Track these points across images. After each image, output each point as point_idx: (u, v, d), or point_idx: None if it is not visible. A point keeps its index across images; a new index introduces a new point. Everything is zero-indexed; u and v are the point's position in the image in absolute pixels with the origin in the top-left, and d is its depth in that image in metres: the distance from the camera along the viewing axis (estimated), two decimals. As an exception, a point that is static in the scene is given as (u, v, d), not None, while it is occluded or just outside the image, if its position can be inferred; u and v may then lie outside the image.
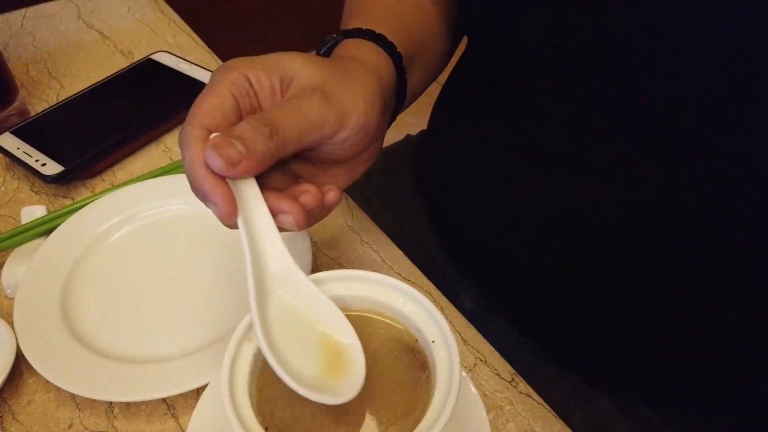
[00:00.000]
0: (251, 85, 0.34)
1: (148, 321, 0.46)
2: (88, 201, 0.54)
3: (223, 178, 0.31)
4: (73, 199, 0.57)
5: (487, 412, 0.37)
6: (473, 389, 0.37)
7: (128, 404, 0.42)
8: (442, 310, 0.45)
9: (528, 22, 0.41)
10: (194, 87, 0.66)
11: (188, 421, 0.37)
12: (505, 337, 0.52)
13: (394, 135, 0.76)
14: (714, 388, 0.46)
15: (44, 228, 0.52)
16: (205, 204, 0.32)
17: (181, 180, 0.56)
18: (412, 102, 0.50)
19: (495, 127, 0.48)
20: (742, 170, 0.35)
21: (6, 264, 0.50)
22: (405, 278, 0.50)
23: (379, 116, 0.37)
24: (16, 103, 0.63)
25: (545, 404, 0.42)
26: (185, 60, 0.69)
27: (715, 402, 0.47)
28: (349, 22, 0.45)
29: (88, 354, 0.43)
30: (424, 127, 0.66)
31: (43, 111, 0.63)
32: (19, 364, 0.44)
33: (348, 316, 0.34)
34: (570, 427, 0.41)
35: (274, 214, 0.33)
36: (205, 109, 0.33)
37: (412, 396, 0.31)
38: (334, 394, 0.29)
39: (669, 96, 0.36)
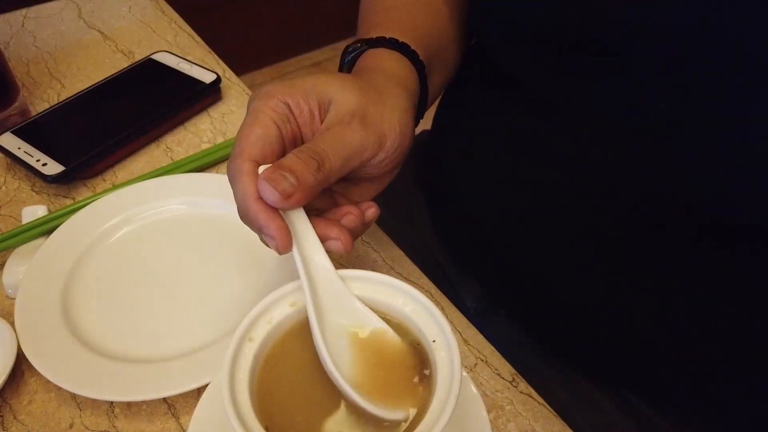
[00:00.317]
0: (291, 112, 0.36)
1: (148, 321, 0.46)
2: (88, 201, 0.54)
3: (276, 210, 0.32)
4: (73, 198, 0.57)
5: (488, 412, 0.37)
6: (474, 389, 0.37)
7: (129, 404, 0.42)
8: (442, 310, 0.45)
9: (535, 12, 0.41)
10: (195, 86, 0.66)
11: (189, 421, 0.37)
12: (507, 336, 0.52)
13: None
14: (715, 388, 0.46)
15: (45, 228, 0.52)
16: (259, 236, 0.33)
17: (181, 180, 0.56)
18: (431, 104, 0.50)
19: (500, 126, 0.48)
20: (746, 167, 0.35)
21: (7, 264, 0.50)
22: (406, 278, 0.50)
23: (411, 132, 0.39)
24: (17, 103, 0.63)
25: (546, 404, 0.42)
26: (186, 60, 0.69)
27: (716, 402, 0.47)
28: (370, 30, 0.46)
29: (88, 354, 0.43)
30: (425, 127, 0.66)
31: (44, 111, 0.63)
32: (20, 364, 0.44)
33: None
34: (571, 427, 0.41)
35: (323, 240, 0.34)
36: (251, 141, 0.34)
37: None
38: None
39: (675, 90, 0.35)
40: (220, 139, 0.62)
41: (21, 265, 0.49)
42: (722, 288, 0.40)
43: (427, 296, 0.32)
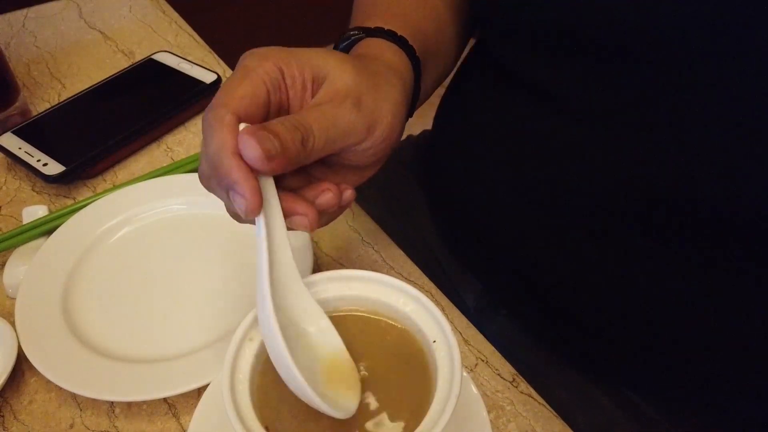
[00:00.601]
0: (283, 79, 0.34)
1: (149, 320, 0.46)
2: (89, 201, 0.54)
3: (251, 169, 0.30)
4: (74, 199, 0.57)
5: (488, 412, 0.37)
6: (474, 389, 0.37)
7: (129, 404, 0.42)
8: (443, 310, 0.44)
9: (538, 8, 0.40)
10: (195, 87, 0.66)
11: (189, 421, 0.37)
12: (507, 335, 0.52)
13: (394, 135, 0.76)
14: (715, 387, 0.46)
15: (45, 228, 0.52)
16: (222, 194, 0.31)
17: (182, 180, 0.56)
18: (420, 105, 0.50)
19: (501, 125, 0.48)
20: (751, 164, 0.35)
21: (7, 264, 0.50)
22: (406, 278, 0.50)
23: (402, 126, 0.37)
24: (17, 103, 0.63)
25: (546, 404, 0.42)
26: (186, 60, 0.69)
27: (717, 401, 0.47)
28: (367, 19, 0.45)
29: (89, 353, 0.43)
30: (425, 127, 0.66)
31: (45, 111, 0.63)
32: (21, 364, 0.44)
33: (349, 316, 0.34)
34: (571, 427, 0.41)
35: (288, 215, 0.33)
36: (238, 95, 0.32)
37: (413, 396, 0.31)
38: (335, 405, 0.29)
39: (678, 87, 0.35)
40: (220, 139, 0.62)
41: (21, 265, 0.49)
42: (723, 288, 0.40)
43: (428, 296, 0.32)
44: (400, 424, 0.30)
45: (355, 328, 0.34)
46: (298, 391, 0.29)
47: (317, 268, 0.50)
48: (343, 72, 0.34)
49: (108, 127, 0.61)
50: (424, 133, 0.70)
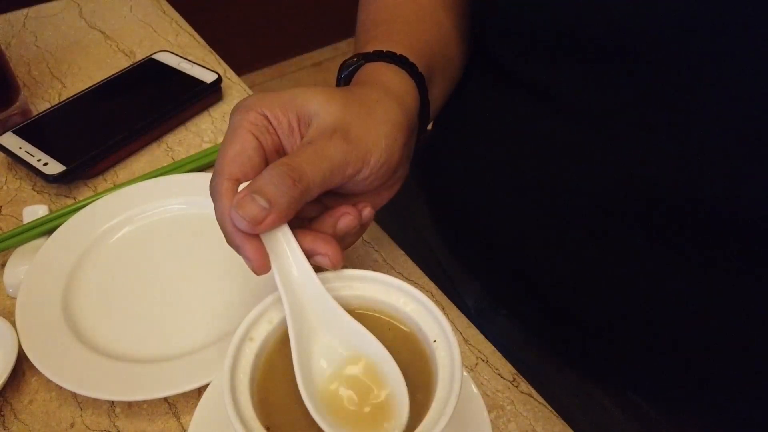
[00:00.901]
0: (270, 123, 0.35)
1: (149, 320, 0.46)
2: (89, 200, 0.54)
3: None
4: (74, 198, 0.57)
5: (489, 412, 0.37)
6: (475, 389, 0.37)
7: (130, 403, 0.42)
8: (443, 309, 0.45)
9: (537, 8, 0.40)
10: (196, 86, 0.66)
11: (190, 420, 0.37)
12: (507, 336, 0.52)
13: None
14: (717, 387, 0.46)
15: (46, 227, 0.52)
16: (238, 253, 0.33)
17: (182, 180, 0.56)
18: (435, 115, 0.50)
19: (500, 125, 0.48)
20: (755, 163, 0.35)
21: (8, 263, 0.50)
22: (406, 278, 0.50)
23: (401, 149, 0.37)
24: (18, 103, 0.63)
25: (546, 404, 0.42)
26: (187, 59, 0.69)
27: (718, 402, 0.47)
28: (367, 44, 0.45)
29: (89, 353, 0.43)
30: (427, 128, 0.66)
31: (45, 111, 0.63)
32: (21, 364, 0.44)
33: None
34: (571, 427, 0.41)
35: (309, 255, 0.33)
36: (229, 158, 0.33)
37: (413, 396, 0.31)
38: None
39: (678, 87, 0.35)
40: (221, 139, 0.62)
41: (22, 264, 0.49)
42: (723, 288, 0.40)
43: (428, 296, 0.32)
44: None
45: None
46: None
47: (318, 268, 0.50)
48: (330, 106, 0.35)
49: (108, 126, 0.61)
50: (425, 134, 0.70)
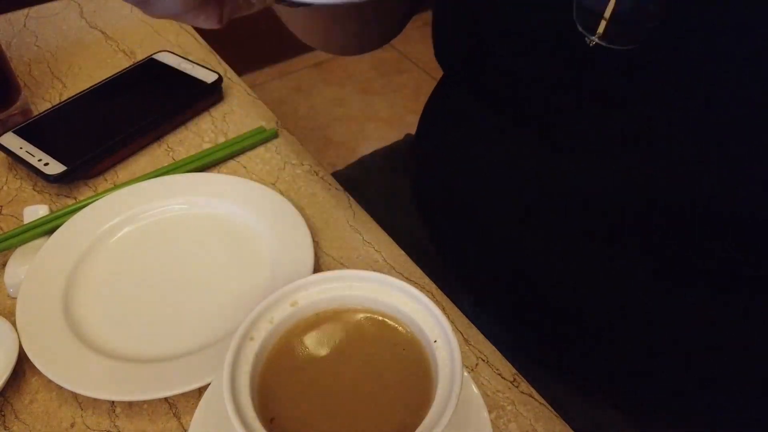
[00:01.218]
0: None
1: (150, 320, 0.46)
2: (90, 200, 0.54)
3: None
4: (75, 198, 0.57)
5: (489, 412, 0.37)
6: (475, 389, 0.37)
7: (130, 403, 0.42)
8: (443, 309, 0.45)
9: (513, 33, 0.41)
10: (196, 86, 0.66)
11: (190, 420, 0.37)
12: (502, 343, 0.52)
13: (395, 135, 0.76)
14: (717, 389, 0.46)
15: (47, 227, 0.52)
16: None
17: (183, 180, 0.56)
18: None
19: (483, 135, 0.48)
20: (748, 188, 0.35)
21: (8, 263, 0.50)
22: (407, 278, 0.50)
23: None
24: (18, 103, 0.63)
25: (547, 404, 0.42)
26: (187, 60, 0.69)
27: (718, 403, 0.47)
28: None
29: (90, 353, 0.43)
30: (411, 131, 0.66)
31: (46, 111, 0.63)
32: (22, 364, 0.44)
33: (349, 316, 0.34)
34: (572, 427, 0.41)
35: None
36: None
37: (413, 396, 0.31)
38: None
39: (650, 105, 0.36)
40: (221, 139, 0.62)
41: (22, 264, 0.49)
42: (723, 292, 0.40)
43: (428, 296, 0.32)
44: (401, 424, 0.30)
45: (355, 327, 0.34)
46: None
47: (318, 268, 0.50)
48: None
49: (109, 126, 0.61)
50: (408, 138, 0.70)
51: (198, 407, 0.37)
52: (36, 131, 0.61)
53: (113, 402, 0.42)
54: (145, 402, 0.42)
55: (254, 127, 0.63)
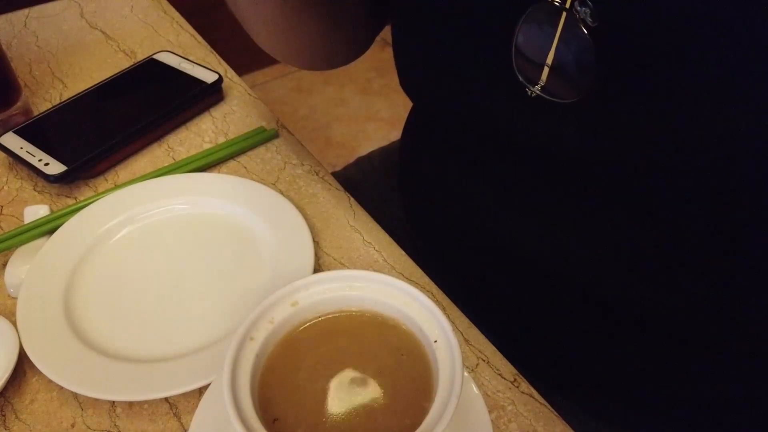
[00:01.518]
0: None
1: (150, 320, 0.46)
2: (90, 200, 0.54)
3: None
4: (76, 198, 0.57)
5: (490, 412, 0.37)
6: (475, 389, 0.37)
7: (131, 404, 0.42)
8: (443, 310, 0.44)
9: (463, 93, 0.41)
10: (197, 86, 0.66)
11: (190, 420, 0.37)
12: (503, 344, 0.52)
13: (395, 135, 0.76)
14: (718, 391, 0.46)
15: (47, 227, 0.52)
16: None
17: (183, 180, 0.56)
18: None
19: (471, 143, 0.48)
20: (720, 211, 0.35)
21: (9, 263, 0.50)
22: (407, 278, 0.50)
23: None
24: (19, 103, 0.63)
25: (547, 405, 0.42)
26: (188, 60, 0.69)
27: (718, 404, 0.47)
28: None
29: (90, 353, 0.43)
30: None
31: (46, 111, 0.63)
32: (22, 363, 0.44)
33: (350, 316, 0.34)
34: (572, 427, 0.41)
35: None
36: None
37: (413, 396, 0.31)
38: None
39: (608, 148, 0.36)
40: (221, 139, 0.62)
41: (23, 264, 0.49)
42: (728, 293, 0.40)
43: (429, 296, 0.32)
44: (402, 424, 0.30)
45: (356, 327, 0.34)
46: None
47: (318, 267, 0.50)
48: None
49: (109, 126, 0.61)
50: (394, 144, 0.71)
51: (198, 407, 0.37)
52: (36, 131, 0.61)
53: (113, 402, 0.42)
54: (145, 402, 0.42)
55: (254, 127, 0.63)
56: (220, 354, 0.42)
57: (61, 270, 0.49)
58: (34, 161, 0.57)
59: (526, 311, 0.52)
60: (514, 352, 0.46)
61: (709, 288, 0.40)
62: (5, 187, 0.58)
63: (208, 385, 0.39)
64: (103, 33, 0.78)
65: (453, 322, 0.47)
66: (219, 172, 0.59)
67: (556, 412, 0.42)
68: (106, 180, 0.59)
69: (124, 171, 0.60)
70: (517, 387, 0.43)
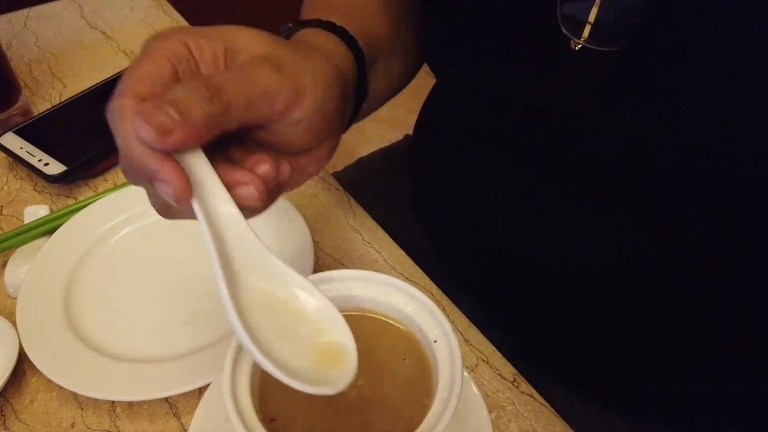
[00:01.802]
0: (191, 53, 0.30)
1: (150, 320, 0.46)
2: (90, 201, 0.54)
3: (168, 153, 0.27)
4: (75, 198, 0.57)
5: (489, 412, 0.37)
6: (475, 389, 0.37)
7: (130, 404, 0.42)
8: (443, 310, 0.44)
9: (487, 83, 0.41)
10: (197, 87, 0.66)
11: (190, 420, 0.37)
12: (503, 347, 0.52)
13: (395, 135, 0.76)
14: (715, 391, 0.46)
15: (47, 227, 0.52)
16: (148, 187, 0.28)
17: (183, 180, 0.56)
18: (374, 109, 0.49)
19: (479, 138, 0.48)
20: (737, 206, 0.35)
21: (9, 263, 0.50)
22: (407, 278, 0.50)
23: (337, 102, 0.33)
24: (19, 103, 0.63)
25: (547, 405, 0.42)
26: (188, 60, 0.69)
27: (716, 405, 0.47)
28: (308, 16, 0.43)
29: (90, 353, 0.43)
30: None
31: (46, 111, 0.63)
32: (22, 364, 0.44)
33: (350, 316, 0.34)
34: (572, 427, 0.41)
35: (231, 187, 0.29)
36: (137, 77, 0.28)
37: (413, 396, 0.31)
38: (326, 384, 0.27)
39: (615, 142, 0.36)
40: (221, 139, 0.62)
41: (23, 264, 0.49)
42: (728, 292, 0.40)
43: (428, 296, 0.32)
44: (401, 424, 0.30)
45: (356, 327, 0.34)
46: (257, 361, 0.27)
47: (318, 268, 0.50)
48: (260, 42, 0.31)
49: (109, 126, 0.61)
50: (407, 138, 0.70)
51: (198, 407, 0.37)
52: (36, 131, 0.61)
53: (113, 402, 0.42)
54: (145, 402, 0.42)
55: (254, 127, 0.63)
56: (220, 354, 0.42)
57: (61, 270, 0.49)
58: (34, 161, 0.57)
59: (526, 311, 0.52)
60: (514, 352, 0.46)
61: (709, 288, 0.40)
62: (5, 187, 0.58)
63: (208, 385, 0.39)
64: (103, 33, 0.78)
65: (453, 322, 0.47)
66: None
67: (556, 412, 0.42)
68: (106, 180, 0.59)
69: (124, 171, 0.60)
70: (517, 387, 0.43)
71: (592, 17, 0.35)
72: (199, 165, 0.28)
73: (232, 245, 0.29)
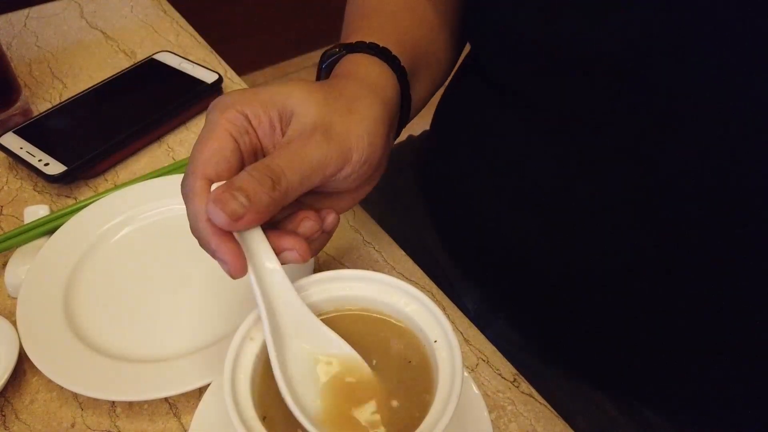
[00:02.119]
0: (250, 123, 0.34)
1: (150, 320, 0.46)
2: (90, 201, 0.54)
3: (228, 232, 0.31)
4: (75, 198, 0.57)
5: (489, 412, 0.37)
6: (475, 389, 0.37)
7: (131, 404, 0.42)
8: (444, 310, 0.45)
9: (526, 27, 0.41)
10: (197, 86, 0.66)
11: (190, 420, 0.37)
12: (506, 339, 0.52)
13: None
14: (718, 392, 0.46)
15: (47, 227, 0.52)
16: (213, 257, 0.32)
17: (183, 180, 0.56)
18: (417, 113, 0.50)
19: (498, 128, 0.48)
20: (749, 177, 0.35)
21: (9, 263, 0.50)
22: (407, 278, 0.50)
23: (384, 145, 0.37)
24: (19, 103, 0.63)
25: (547, 405, 0.42)
26: (188, 60, 0.69)
27: (718, 405, 0.47)
28: (351, 35, 0.45)
29: (90, 353, 0.43)
30: (426, 127, 0.66)
31: (46, 111, 0.63)
32: (22, 364, 0.44)
33: (350, 316, 0.34)
34: (572, 427, 0.41)
35: (277, 252, 0.33)
36: (205, 158, 0.32)
37: (413, 396, 0.31)
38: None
39: (669, 98, 0.35)
40: (221, 139, 0.62)
41: (23, 264, 0.49)
42: (727, 292, 0.40)
43: (429, 296, 0.32)
44: (401, 424, 0.30)
45: (356, 328, 0.34)
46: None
47: (318, 267, 0.50)
48: (310, 104, 0.34)
49: (109, 126, 0.61)
50: (425, 134, 0.70)
51: (198, 407, 0.37)
52: (36, 131, 0.61)
53: (113, 402, 0.42)
54: (145, 402, 0.42)
55: (254, 127, 0.63)
56: (220, 354, 0.42)
57: (61, 270, 0.49)
58: (34, 161, 0.57)
59: (526, 311, 0.52)
60: (514, 352, 0.46)
61: (709, 288, 0.40)
62: (5, 187, 0.58)
63: (208, 385, 0.39)
64: (103, 33, 0.78)
65: (453, 322, 0.47)
66: (219, 172, 0.59)
67: (556, 412, 0.42)
68: (106, 180, 0.59)
69: (124, 171, 0.60)
70: (517, 387, 0.43)
71: None
72: (257, 240, 0.32)
73: (282, 313, 0.32)
